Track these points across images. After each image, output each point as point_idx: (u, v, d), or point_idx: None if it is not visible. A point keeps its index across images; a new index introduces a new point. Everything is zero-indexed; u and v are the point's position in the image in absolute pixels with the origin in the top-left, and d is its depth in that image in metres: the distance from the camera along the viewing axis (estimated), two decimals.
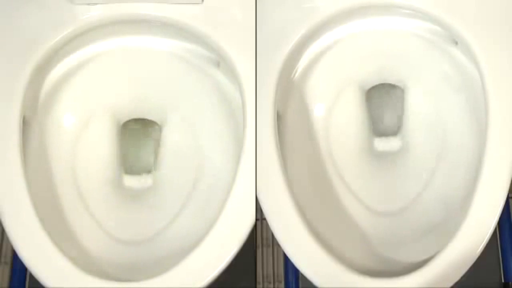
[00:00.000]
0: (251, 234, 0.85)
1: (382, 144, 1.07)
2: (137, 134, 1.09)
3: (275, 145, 0.90)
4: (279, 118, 0.95)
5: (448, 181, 0.98)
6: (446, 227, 0.90)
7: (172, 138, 1.04)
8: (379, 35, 1.03)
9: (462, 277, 0.82)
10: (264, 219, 0.88)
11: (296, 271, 1.13)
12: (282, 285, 1.16)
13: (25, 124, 0.91)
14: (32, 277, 0.89)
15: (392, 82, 1.08)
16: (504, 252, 1.15)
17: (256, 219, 0.86)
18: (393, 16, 1.01)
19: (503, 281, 1.15)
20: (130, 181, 1.04)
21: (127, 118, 1.07)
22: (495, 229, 0.86)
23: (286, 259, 1.15)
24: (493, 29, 0.92)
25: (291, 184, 0.88)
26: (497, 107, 0.87)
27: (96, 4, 0.95)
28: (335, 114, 1.05)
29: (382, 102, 1.12)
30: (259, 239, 1.17)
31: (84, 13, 0.94)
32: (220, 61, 0.99)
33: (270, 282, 1.16)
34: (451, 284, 0.82)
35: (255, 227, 0.86)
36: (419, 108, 1.05)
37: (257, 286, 1.16)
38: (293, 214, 0.86)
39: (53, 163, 0.97)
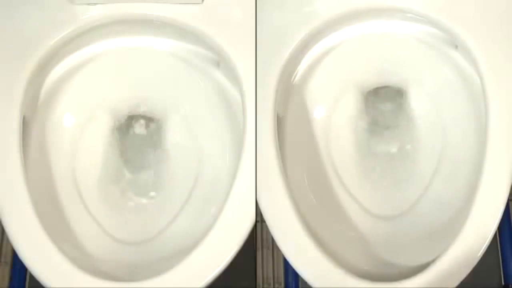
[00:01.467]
0: (251, 236, 0.85)
1: (382, 147, 1.07)
2: (136, 134, 1.09)
3: (275, 147, 0.90)
4: (279, 120, 0.95)
5: (448, 184, 0.98)
6: (446, 231, 0.90)
7: (172, 138, 1.04)
8: (380, 38, 1.03)
9: (462, 280, 0.82)
10: (264, 221, 0.88)
11: (295, 274, 1.12)
12: (282, 287, 1.16)
13: (25, 124, 0.92)
14: (32, 277, 0.89)
15: (392, 85, 1.08)
16: (504, 254, 1.15)
17: (256, 221, 0.86)
18: (393, 19, 1.02)
19: (503, 283, 1.15)
20: (130, 181, 1.04)
21: (126, 118, 1.07)
22: (495, 231, 0.85)
23: (286, 262, 1.15)
24: (492, 32, 0.92)
25: (290, 186, 0.88)
26: (497, 110, 0.88)
27: (96, 4, 0.95)
28: (335, 116, 1.05)
29: (382, 105, 1.11)
30: (259, 241, 1.17)
31: (84, 13, 0.94)
32: (220, 61, 0.99)
33: (269, 284, 1.16)
34: (452, 287, 0.82)
35: (255, 229, 0.86)
36: (419, 111, 1.05)
37: None
38: (293, 217, 0.86)
39: (53, 163, 0.98)
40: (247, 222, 0.85)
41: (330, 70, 1.04)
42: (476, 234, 0.83)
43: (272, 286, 1.16)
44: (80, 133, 1.02)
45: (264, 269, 1.17)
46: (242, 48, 0.93)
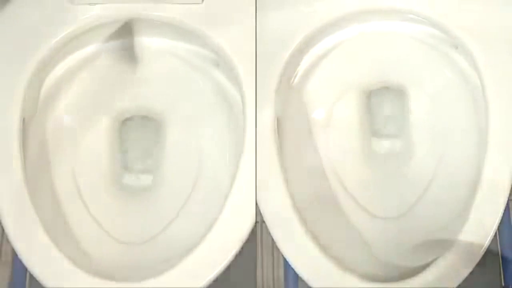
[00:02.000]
0: (251, 236, 0.85)
1: (383, 148, 1.07)
2: (137, 134, 1.09)
3: (275, 147, 0.90)
4: (279, 121, 0.95)
5: (448, 184, 0.97)
6: (446, 232, 0.90)
7: (172, 138, 1.03)
8: (380, 39, 1.03)
9: (462, 281, 0.82)
10: (264, 221, 0.88)
11: (295, 274, 1.12)
12: (282, 287, 1.16)
13: (25, 125, 0.92)
14: (32, 277, 0.89)
15: (393, 86, 1.08)
16: (504, 256, 1.15)
17: (256, 222, 0.87)
18: (393, 20, 1.01)
19: (503, 284, 1.15)
20: (130, 181, 1.04)
21: (126, 118, 1.07)
22: (495, 232, 0.85)
23: (286, 262, 1.15)
24: (492, 33, 0.92)
25: (290, 187, 0.88)
26: (497, 111, 0.88)
27: (96, 4, 0.95)
28: (335, 117, 1.05)
29: (382, 105, 1.11)
30: (258, 241, 1.16)
31: (84, 13, 0.95)
32: (220, 61, 0.99)
33: (269, 286, 1.16)
34: (453, 287, 0.82)
35: (255, 230, 0.87)
36: (420, 111, 1.04)
37: None
38: (293, 217, 0.86)
39: (53, 163, 0.97)
40: (247, 223, 0.85)
41: (330, 70, 1.03)
42: (476, 234, 0.84)
43: (272, 287, 1.16)
44: (80, 133, 1.02)
45: (264, 270, 1.17)
46: (242, 48, 0.93)
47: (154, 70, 1.03)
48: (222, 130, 1.00)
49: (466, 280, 0.82)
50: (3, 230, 0.85)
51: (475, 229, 0.83)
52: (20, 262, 0.84)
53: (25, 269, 1.11)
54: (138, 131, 1.08)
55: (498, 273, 1.15)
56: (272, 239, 0.87)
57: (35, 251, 0.84)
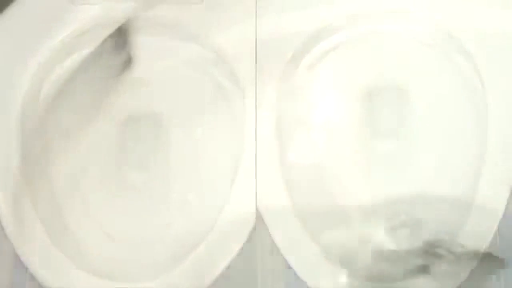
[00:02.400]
0: (251, 237, 0.85)
1: (382, 149, 1.07)
2: (136, 134, 1.09)
3: (275, 148, 0.90)
4: (279, 121, 0.95)
5: (448, 185, 0.97)
6: (446, 232, 0.90)
7: (172, 138, 1.03)
8: (380, 39, 1.03)
9: (462, 281, 0.82)
10: (264, 221, 0.88)
11: (295, 275, 1.12)
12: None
13: (25, 125, 0.92)
14: (32, 277, 0.89)
15: (393, 87, 1.08)
16: (504, 256, 1.15)
17: (256, 222, 0.87)
18: (394, 21, 1.01)
19: (503, 285, 1.15)
20: (130, 181, 1.04)
21: (127, 118, 1.07)
22: (495, 232, 0.86)
23: (286, 263, 1.15)
24: (493, 34, 0.93)
25: (290, 188, 0.88)
26: (497, 112, 0.89)
27: (96, 4, 0.95)
28: (336, 118, 1.05)
29: (382, 106, 1.11)
30: (258, 242, 1.16)
31: (84, 13, 0.95)
32: (220, 61, 0.99)
33: (269, 286, 1.16)
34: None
35: (254, 230, 0.87)
36: (420, 112, 1.04)
37: None
38: (293, 218, 0.86)
39: (53, 163, 0.97)
40: (247, 223, 0.85)
41: (330, 71, 1.04)
42: (476, 234, 0.84)
43: (272, 287, 1.16)
44: (80, 133, 1.01)
45: (264, 270, 1.17)
46: (242, 48, 0.93)
47: (154, 70, 1.04)
48: (222, 130, 1.00)
49: (466, 280, 0.82)
50: (3, 230, 0.85)
51: (475, 229, 0.84)
52: (20, 262, 0.84)
53: (25, 269, 1.11)
54: (138, 131, 1.09)
55: (498, 273, 1.14)
56: (272, 239, 0.87)
57: (35, 251, 0.84)
